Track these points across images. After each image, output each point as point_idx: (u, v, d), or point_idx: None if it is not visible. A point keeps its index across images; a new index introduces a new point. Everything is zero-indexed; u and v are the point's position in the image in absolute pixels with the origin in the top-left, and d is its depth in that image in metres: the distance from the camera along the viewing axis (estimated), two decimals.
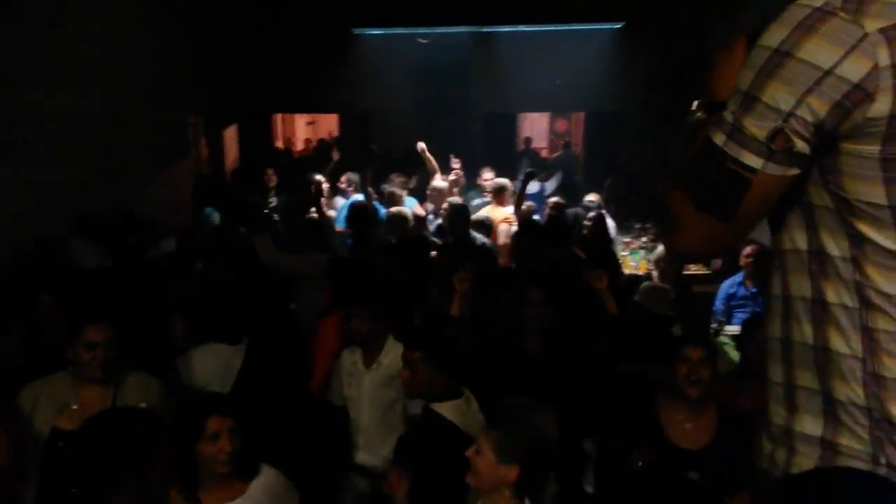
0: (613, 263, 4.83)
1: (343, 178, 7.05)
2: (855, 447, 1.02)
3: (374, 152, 5.88)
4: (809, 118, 0.97)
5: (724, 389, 2.94)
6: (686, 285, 4.86)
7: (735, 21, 6.37)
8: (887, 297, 0.98)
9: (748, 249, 4.83)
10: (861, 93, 0.94)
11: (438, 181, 6.96)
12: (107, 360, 2.56)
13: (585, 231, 5.76)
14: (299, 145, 13.84)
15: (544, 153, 13.13)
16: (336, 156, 8.46)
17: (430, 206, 6.81)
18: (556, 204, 6.33)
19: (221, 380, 3.05)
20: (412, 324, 3.62)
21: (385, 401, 3.14)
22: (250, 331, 3.22)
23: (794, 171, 1.02)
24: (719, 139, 1.05)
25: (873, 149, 0.96)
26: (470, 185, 7.66)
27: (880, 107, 0.94)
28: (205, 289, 3.94)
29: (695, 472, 2.67)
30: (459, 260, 4.24)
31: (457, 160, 7.48)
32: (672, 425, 2.76)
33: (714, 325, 4.81)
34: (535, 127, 14.07)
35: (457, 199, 6.13)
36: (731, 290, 4.95)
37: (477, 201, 6.91)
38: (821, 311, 1.04)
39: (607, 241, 5.55)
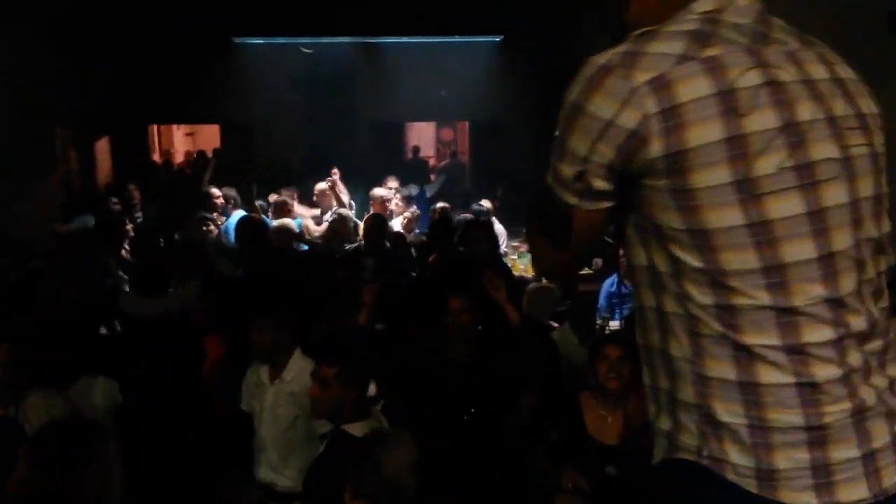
0: (505, 270, 4.94)
1: (219, 194, 6.82)
2: (686, 441, 1.14)
3: (263, 165, 5.73)
4: (602, 161, 1.11)
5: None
6: (572, 284, 5.07)
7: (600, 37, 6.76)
8: (703, 307, 1.10)
9: (623, 251, 5.08)
10: (637, 138, 1.08)
11: (321, 184, 6.92)
12: (5, 380, 2.56)
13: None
14: (178, 157, 13.31)
15: (432, 161, 13.31)
16: (211, 168, 8.06)
17: (317, 211, 6.84)
18: (442, 209, 6.45)
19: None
20: (316, 337, 3.58)
21: (286, 418, 3.06)
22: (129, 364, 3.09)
23: (606, 204, 1.16)
24: (549, 180, 1.20)
25: (661, 183, 1.10)
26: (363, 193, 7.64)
27: (655, 148, 1.07)
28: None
29: (612, 467, 2.77)
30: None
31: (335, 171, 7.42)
32: (593, 422, 2.90)
33: (599, 322, 5.05)
34: (423, 136, 14.24)
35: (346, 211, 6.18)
36: (612, 289, 5.22)
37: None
38: (662, 319, 1.17)
39: (496, 249, 5.64)
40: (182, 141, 14.29)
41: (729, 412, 1.09)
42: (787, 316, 1.07)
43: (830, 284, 1.08)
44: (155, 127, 12.20)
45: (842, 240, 1.09)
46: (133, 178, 8.10)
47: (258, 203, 6.76)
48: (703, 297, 1.10)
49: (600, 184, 1.13)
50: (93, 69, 8.60)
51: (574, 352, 3.85)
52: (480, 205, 7.18)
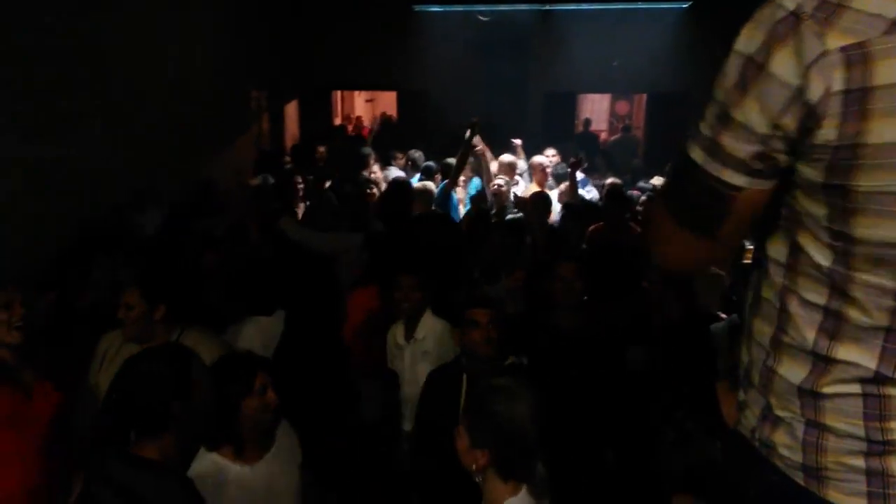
0: None
1: (400, 156, 7.08)
2: (748, 419, 1.12)
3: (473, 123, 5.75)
4: (784, 135, 0.93)
5: None
6: (743, 271, 4.71)
7: None
8: (811, 305, 1.01)
9: None
10: (814, 116, 0.89)
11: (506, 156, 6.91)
12: (136, 321, 2.68)
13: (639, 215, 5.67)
14: (366, 121, 13.91)
15: (603, 136, 12.90)
16: (374, 133, 8.45)
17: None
18: (612, 184, 6.23)
19: (262, 350, 3.14)
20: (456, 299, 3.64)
21: (422, 375, 3.17)
22: (287, 302, 3.27)
23: (776, 182, 1.00)
24: (698, 156, 1.01)
25: (817, 173, 0.93)
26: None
27: (826, 133, 0.89)
28: (235, 261, 4.03)
29: None
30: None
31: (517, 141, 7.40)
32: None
33: None
34: (596, 108, 13.85)
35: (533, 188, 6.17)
36: None
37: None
38: (756, 299, 1.11)
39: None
40: (362, 107, 14.98)
41: (785, 410, 1.05)
42: (894, 344, 0.95)
43: None
44: (338, 93, 12.87)
45: None
46: (316, 139, 8.66)
47: (428, 164, 6.95)
48: (816, 296, 0.99)
49: (783, 159, 0.95)
50: (284, 38, 9.19)
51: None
52: (652, 184, 6.84)
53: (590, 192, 6.50)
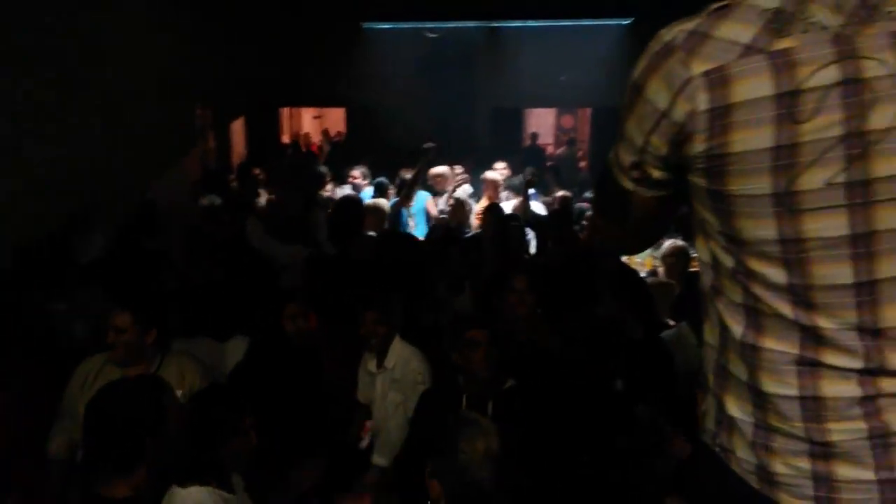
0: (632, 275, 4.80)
1: (356, 172, 7.06)
2: (707, 425, 1.16)
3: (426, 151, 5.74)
4: (656, 153, 1.08)
5: None
6: (692, 282, 4.84)
7: None
8: (734, 304, 1.07)
9: None
10: (683, 133, 1.02)
11: (440, 168, 6.97)
12: (128, 345, 2.64)
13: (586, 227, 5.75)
14: (314, 138, 13.80)
15: (550, 149, 13.10)
16: (326, 149, 8.46)
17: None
18: (563, 198, 6.33)
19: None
20: (425, 321, 3.60)
21: (392, 404, 3.12)
22: (250, 328, 3.21)
23: (663, 193, 1.13)
24: (611, 158, 1.18)
25: (702, 182, 1.05)
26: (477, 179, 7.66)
27: (697, 147, 1.01)
28: (193, 280, 3.95)
29: None
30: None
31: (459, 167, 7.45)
32: None
33: None
34: (542, 123, 14.05)
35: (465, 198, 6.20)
36: None
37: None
38: (705, 305, 1.17)
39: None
40: (310, 123, 14.88)
41: (738, 408, 1.08)
42: (809, 333, 1.01)
43: (867, 313, 0.98)
44: (286, 109, 12.75)
45: (894, 266, 0.96)
46: (262, 158, 8.56)
47: (380, 180, 6.95)
48: (734, 295, 1.07)
49: (656, 174, 1.11)
50: (230, 54, 9.08)
51: (691, 355, 3.65)
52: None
53: (538, 207, 6.58)
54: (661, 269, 5.15)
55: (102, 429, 1.76)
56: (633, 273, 4.19)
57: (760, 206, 0.98)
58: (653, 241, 1.31)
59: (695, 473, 1.25)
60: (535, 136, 12.21)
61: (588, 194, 7.06)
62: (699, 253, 1.15)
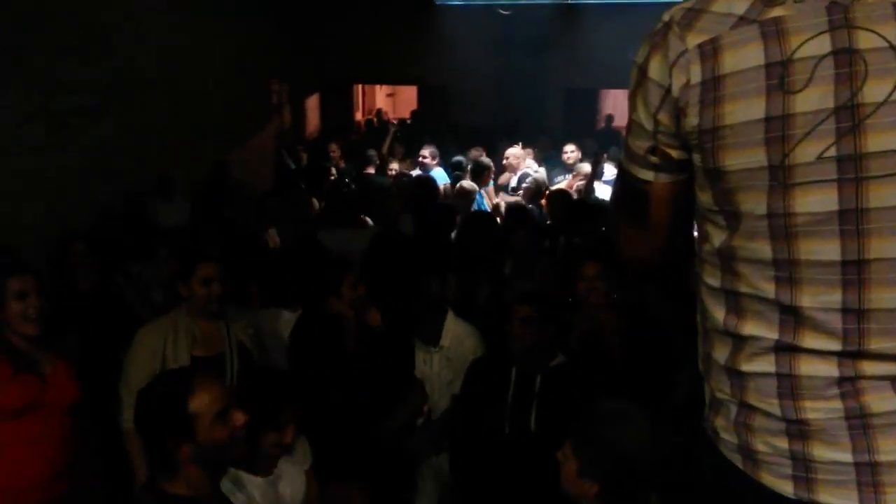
0: None
1: (426, 152, 7.09)
2: (705, 411, 1.16)
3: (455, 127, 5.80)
4: (667, 130, 1.05)
5: None
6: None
7: None
8: (712, 289, 1.08)
9: None
10: (679, 107, 1.01)
11: (513, 149, 6.96)
12: (221, 294, 2.77)
13: None
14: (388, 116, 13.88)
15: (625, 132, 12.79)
16: (390, 137, 8.48)
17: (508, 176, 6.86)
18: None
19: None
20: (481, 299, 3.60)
21: (446, 380, 3.13)
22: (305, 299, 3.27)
23: (683, 176, 1.09)
24: (622, 158, 1.16)
25: (698, 158, 1.03)
26: (555, 160, 7.57)
27: (691, 121, 1.00)
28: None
29: None
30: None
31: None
32: None
33: None
34: (619, 104, 13.70)
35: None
36: None
37: (559, 178, 6.87)
38: (697, 291, 1.16)
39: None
40: (384, 101, 15.00)
41: (720, 391, 1.09)
42: (789, 314, 0.99)
43: (852, 293, 0.95)
44: (359, 87, 12.89)
45: (886, 246, 0.93)
46: (336, 134, 8.71)
47: (459, 159, 6.97)
48: (713, 280, 1.07)
49: (675, 153, 1.07)
50: (305, 29, 9.22)
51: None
52: None
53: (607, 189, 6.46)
54: None
55: (141, 427, 1.74)
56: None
57: (755, 178, 0.97)
58: (678, 242, 1.20)
59: (695, 459, 1.24)
60: (610, 118, 11.92)
61: None
62: (694, 240, 1.15)
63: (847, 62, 0.90)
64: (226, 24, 6.96)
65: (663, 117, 1.04)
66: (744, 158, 0.97)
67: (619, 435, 1.76)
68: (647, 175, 1.11)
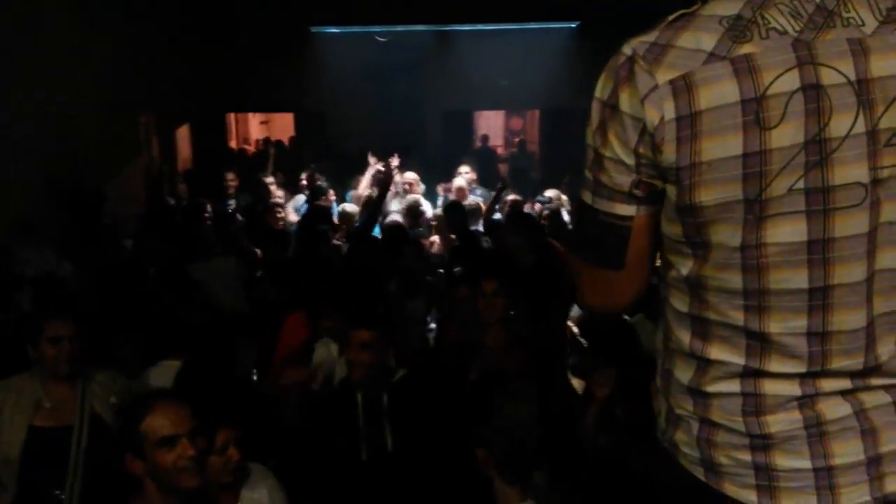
0: None
1: (272, 181, 7.05)
2: (660, 422, 1.20)
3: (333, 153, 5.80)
4: (647, 162, 1.03)
5: None
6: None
7: None
8: (678, 314, 1.10)
9: None
10: (654, 141, 1.00)
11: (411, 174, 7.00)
12: (72, 354, 2.49)
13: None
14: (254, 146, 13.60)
15: (500, 150, 13.19)
16: (272, 160, 8.35)
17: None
18: (514, 201, 6.38)
19: None
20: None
21: None
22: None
23: (660, 206, 1.08)
24: (587, 197, 1.11)
25: (671, 191, 1.03)
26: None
27: (667, 157, 0.99)
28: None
29: None
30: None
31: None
32: None
33: None
34: (491, 125, 14.13)
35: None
36: None
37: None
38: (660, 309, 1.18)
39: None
40: (257, 129, 14.65)
41: (682, 408, 1.12)
42: (756, 340, 1.03)
43: (817, 317, 1.00)
44: (232, 115, 12.53)
45: (848, 272, 0.98)
46: (212, 165, 8.40)
47: (318, 185, 6.94)
48: (681, 304, 1.09)
49: (658, 184, 1.05)
50: (174, 59, 8.88)
51: (649, 341, 3.77)
52: (548, 197, 7.02)
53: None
54: None
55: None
56: None
57: (730, 212, 0.98)
58: (647, 278, 1.17)
59: (652, 471, 1.29)
60: (485, 138, 12.28)
61: (540, 196, 7.08)
62: (659, 263, 1.16)
63: (815, 97, 0.94)
64: (90, 55, 6.58)
65: (644, 150, 1.02)
66: (720, 193, 0.98)
67: (508, 407, 1.93)
68: (629, 210, 1.08)
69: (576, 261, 1.20)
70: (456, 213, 5.51)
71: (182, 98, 9.14)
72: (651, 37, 1.03)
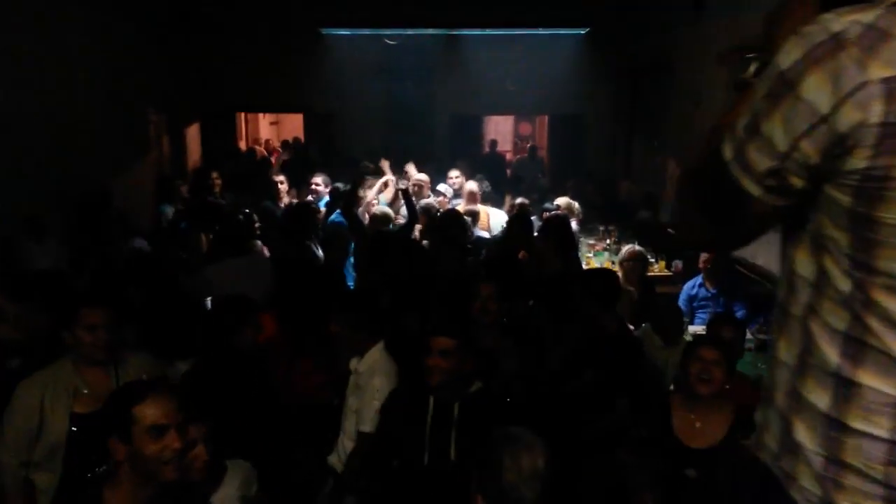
0: (575, 264, 4.86)
1: (318, 179, 7.00)
2: (768, 442, 1.11)
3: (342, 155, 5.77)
4: (803, 161, 0.91)
5: (742, 391, 2.91)
6: (650, 286, 4.92)
7: (693, 26, 6.52)
8: (832, 330, 0.98)
9: (705, 255, 4.96)
10: (843, 145, 0.87)
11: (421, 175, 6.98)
12: (109, 341, 2.57)
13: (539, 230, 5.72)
14: (274, 144, 13.62)
15: (509, 156, 13.20)
16: (284, 156, 8.36)
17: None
18: (520, 205, 6.37)
19: None
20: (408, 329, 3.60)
21: (353, 406, 3.09)
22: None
23: (795, 202, 0.97)
24: (728, 153, 0.99)
25: (846, 199, 0.91)
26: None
27: (858, 162, 0.87)
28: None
29: (694, 469, 2.67)
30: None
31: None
32: (680, 424, 2.79)
33: None
34: (500, 130, 14.17)
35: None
36: (693, 292, 5.05)
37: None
38: (785, 317, 1.07)
39: (568, 246, 5.39)
40: (267, 129, 14.71)
41: (809, 438, 1.01)
42: None
43: None
44: (242, 115, 12.59)
45: None
46: (218, 163, 8.42)
47: (336, 186, 6.90)
48: (836, 321, 0.97)
49: (798, 183, 0.93)
50: (185, 58, 8.94)
51: (656, 353, 3.77)
52: (556, 204, 6.96)
53: (499, 215, 6.63)
54: (619, 275, 5.22)
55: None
56: (606, 270, 4.32)
57: None
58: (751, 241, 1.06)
59: (746, 488, 1.17)
60: (494, 143, 12.30)
61: (548, 204, 7.03)
62: (798, 266, 1.02)
63: None
64: (101, 53, 6.63)
65: (806, 146, 0.89)
66: None
67: (509, 459, 1.83)
68: (755, 191, 0.96)
69: (692, 195, 1.10)
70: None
71: (192, 97, 9.20)
72: (869, 16, 0.85)
